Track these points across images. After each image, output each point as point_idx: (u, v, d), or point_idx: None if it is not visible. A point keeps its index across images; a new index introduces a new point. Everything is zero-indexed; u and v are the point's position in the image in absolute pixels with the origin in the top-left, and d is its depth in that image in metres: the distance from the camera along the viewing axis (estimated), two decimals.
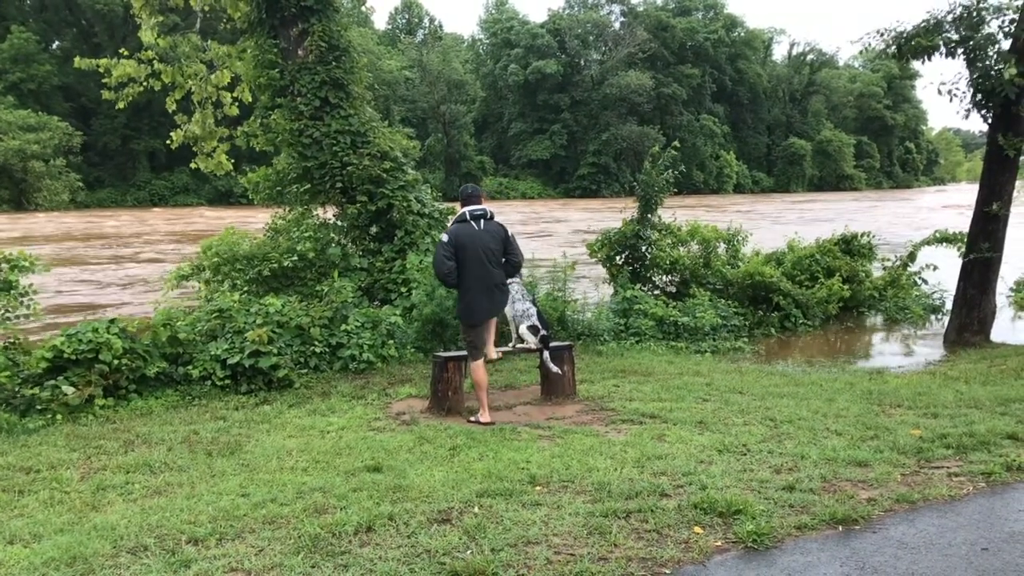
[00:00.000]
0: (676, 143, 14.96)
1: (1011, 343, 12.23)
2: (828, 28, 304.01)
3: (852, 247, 15.60)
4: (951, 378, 9.23)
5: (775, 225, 37.62)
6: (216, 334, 9.18)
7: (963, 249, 13.03)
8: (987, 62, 11.51)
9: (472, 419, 7.35)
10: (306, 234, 11.57)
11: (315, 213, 12.70)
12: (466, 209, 7.40)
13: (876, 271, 16.19)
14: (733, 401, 7.79)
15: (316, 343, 9.57)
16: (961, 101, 11.83)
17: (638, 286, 12.98)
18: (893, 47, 11.94)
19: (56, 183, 60.74)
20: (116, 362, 8.06)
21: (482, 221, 7.32)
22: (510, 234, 7.47)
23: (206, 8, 13.58)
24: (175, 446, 6.57)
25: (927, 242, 15.61)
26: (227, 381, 8.66)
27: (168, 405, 8.17)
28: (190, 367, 8.71)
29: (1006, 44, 11.65)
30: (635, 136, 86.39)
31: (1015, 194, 12.38)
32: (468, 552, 4.22)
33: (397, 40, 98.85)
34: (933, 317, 15.01)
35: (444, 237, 7.35)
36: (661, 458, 5.78)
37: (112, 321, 8.46)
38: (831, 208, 57.43)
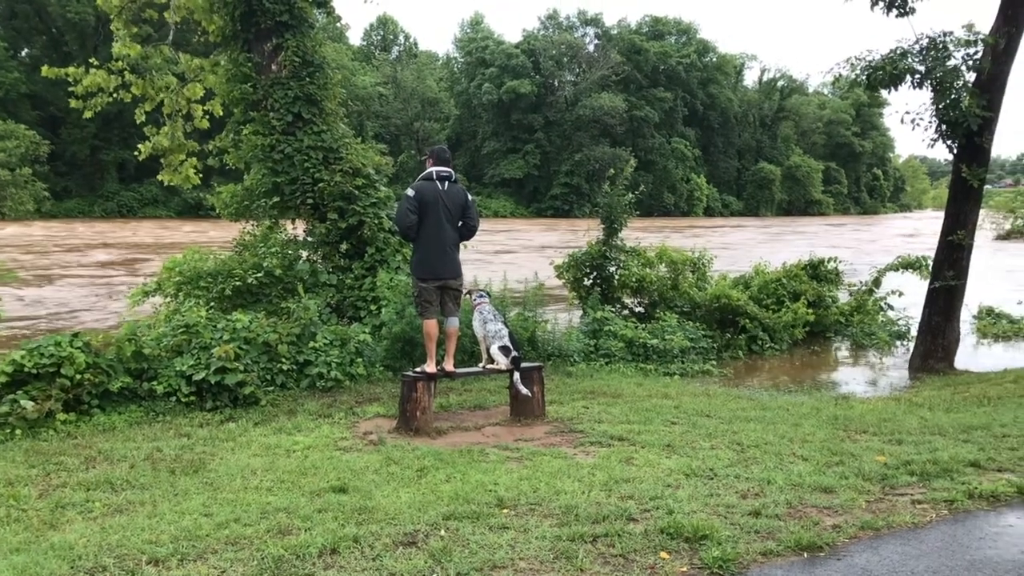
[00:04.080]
0: (632, 161, 14.97)
1: (974, 370, 12.40)
2: (797, 54, 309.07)
3: (819, 272, 15.76)
4: (916, 404, 9.33)
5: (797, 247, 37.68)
6: (182, 350, 9.04)
7: (927, 274, 13.20)
8: (952, 94, 11.73)
9: (417, 369, 7.88)
10: (272, 250, 11.47)
11: (284, 228, 12.61)
12: (433, 169, 7.77)
13: (844, 297, 16.37)
14: (701, 424, 7.81)
15: (283, 360, 9.47)
16: (926, 131, 12.05)
17: (607, 307, 13.01)
18: (863, 76, 12.12)
19: (22, 192, 59.63)
20: (79, 377, 7.92)
21: (447, 183, 7.73)
22: (470, 199, 7.92)
23: (177, 20, 13.48)
24: (137, 463, 6.46)
25: (891, 267, 15.82)
26: (192, 398, 8.54)
27: (131, 421, 8.03)
28: (155, 383, 8.57)
29: (971, 76, 11.89)
30: (607, 158, 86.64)
31: (979, 223, 12.59)
32: None
33: (372, 56, 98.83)
34: (899, 343, 15.17)
35: (410, 192, 7.67)
36: (629, 481, 5.77)
37: (75, 335, 8.33)
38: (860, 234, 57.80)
